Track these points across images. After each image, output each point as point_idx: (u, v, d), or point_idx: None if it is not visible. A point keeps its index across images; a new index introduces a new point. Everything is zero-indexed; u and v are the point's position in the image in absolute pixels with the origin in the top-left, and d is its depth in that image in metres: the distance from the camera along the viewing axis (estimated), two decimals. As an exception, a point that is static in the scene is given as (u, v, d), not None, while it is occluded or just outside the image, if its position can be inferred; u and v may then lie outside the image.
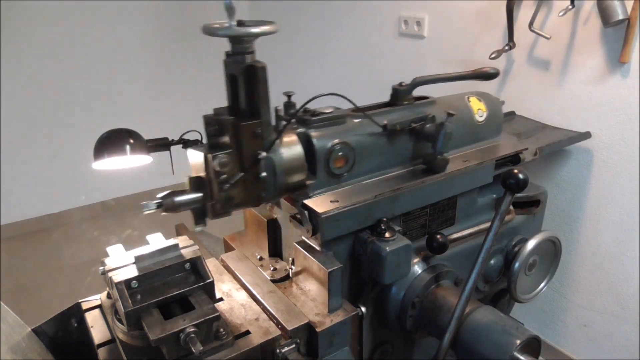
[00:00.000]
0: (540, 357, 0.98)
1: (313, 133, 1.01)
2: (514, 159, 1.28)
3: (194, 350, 0.80)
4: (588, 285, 1.73)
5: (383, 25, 2.29)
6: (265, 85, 0.89)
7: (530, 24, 1.60)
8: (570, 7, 1.49)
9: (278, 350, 0.92)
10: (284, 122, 0.97)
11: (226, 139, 0.88)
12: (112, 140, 0.94)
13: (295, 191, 1.01)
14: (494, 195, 1.31)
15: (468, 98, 1.27)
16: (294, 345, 0.94)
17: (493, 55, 1.72)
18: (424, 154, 1.15)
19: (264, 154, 0.90)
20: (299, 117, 1.04)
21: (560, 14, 1.51)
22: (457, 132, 1.18)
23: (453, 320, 0.98)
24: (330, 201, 1.00)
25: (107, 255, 0.95)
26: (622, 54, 1.43)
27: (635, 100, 1.46)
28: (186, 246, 0.97)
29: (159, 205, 0.86)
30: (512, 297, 1.27)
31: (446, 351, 1.00)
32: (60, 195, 3.07)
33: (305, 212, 0.99)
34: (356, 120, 1.09)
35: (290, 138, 0.98)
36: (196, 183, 0.90)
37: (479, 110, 1.26)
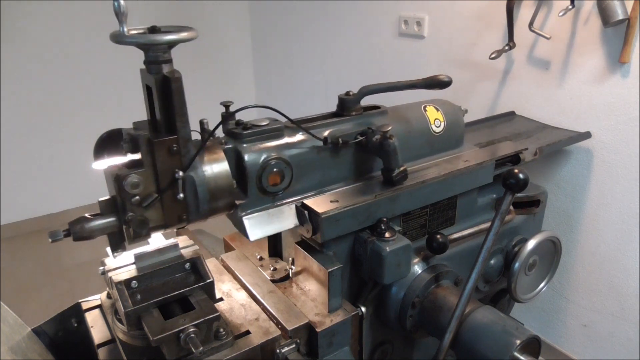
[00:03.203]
0: (540, 357, 0.98)
1: (244, 148, 0.94)
2: (514, 159, 1.28)
3: (194, 350, 0.80)
4: (588, 285, 1.73)
5: (383, 25, 2.29)
6: (181, 97, 0.81)
7: (530, 24, 1.60)
8: (570, 7, 1.49)
9: (278, 350, 0.92)
10: (209, 137, 0.89)
11: (140, 156, 0.82)
12: (112, 140, 0.94)
13: (223, 211, 0.94)
14: (494, 195, 1.30)
15: (424, 107, 1.20)
16: (294, 345, 0.94)
17: (493, 55, 1.72)
18: (381, 168, 1.07)
19: (181, 173, 0.83)
20: (230, 131, 0.96)
21: (560, 14, 1.51)
22: (411, 143, 1.14)
23: (453, 320, 0.98)
24: (330, 201, 0.99)
25: (107, 255, 0.95)
26: (622, 54, 1.43)
27: (635, 100, 1.46)
28: (186, 246, 0.97)
29: (68, 234, 0.80)
30: (512, 297, 1.27)
31: (446, 351, 1.00)
32: (60, 195, 3.07)
33: (305, 212, 0.98)
34: (295, 133, 1.01)
35: (214, 155, 0.89)
36: (109, 205, 0.83)
37: (436, 120, 1.19)
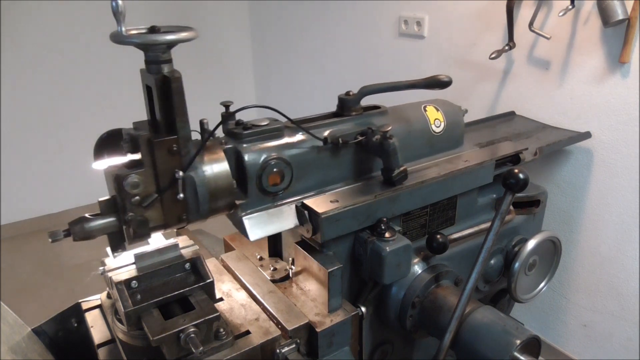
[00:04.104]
0: (540, 357, 0.98)
1: (244, 148, 0.93)
2: (514, 159, 1.28)
3: (194, 350, 0.80)
4: (588, 285, 1.73)
5: (383, 25, 2.29)
6: (181, 97, 0.81)
7: (530, 24, 1.60)
8: (570, 7, 1.49)
9: (278, 350, 0.92)
10: (209, 137, 0.89)
11: (140, 156, 0.82)
12: (112, 140, 0.94)
13: (223, 211, 0.94)
14: (494, 195, 1.30)
15: (424, 107, 1.21)
16: (294, 345, 0.94)
17: (493, 55, 1.72)
18: (381, 168, 1.07)
19: (181, 173, 0.83)
20: (230, 131, 0.96)
21: (560, 14, 1.51)
22: (411, 143, 1.14)
23: (453, 320, 0.98)
24: (330, 201, 0.99)
25: (107, 255, 0.95)
26: (622, 54, 1.43)
27: (635, 100, 1.46)
28: (186, 246, 0.97)
29: (68, 234, 0.80)
30: (512, 297, 1.27)
31: (446, 351, 1.00)
32: (60, 195, 3.07)
33: (305, 212, 0.98)
34: (295, 133, 1.00)
35: (215, 155, 0.89)
36: (109, 205, 0.83)
37: (435, 120, 1.19)
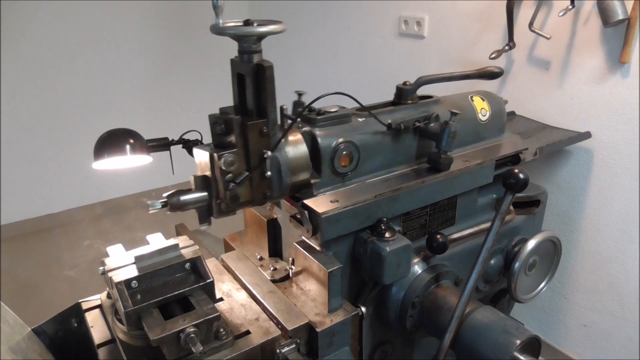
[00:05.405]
0: (540, 357, 0.98)
1: (318, 132, 1.02)
2: (514, 159, 1.28)
3: (194, 350, 0.80)
4: (588, 285, 1.73)
5: (383, 25, 2.29)
6: (272, 84, 0.89)
7: (530, 24, 1.60)
8: (570, 7, 1.49)
9: (278, 350, 0.92)
10: (289, 121, 0.97)
11: (232, 138, 0.89)
12: (112, 140, 0.94)
13: (300, 190, 1.02)
14: (494, 195, 1.31)
15: (471, 97, 1.28)
16: (294, 345, 0.94)
17: (493, 55, 1.72)
18: (429, 153, 1.15)
19: (269, 153, 0.91)
20: (304, 116, 1.04)
21: (560, 14, 1.51)
22: (460, 131, 1.18)
23: (453, 320, 0.98)
24: (330, 201, 1.00)
25: (107, 255, 0.95)
26: (622, 54, 1.43)
27: (635, 100, 1.46)
28: (186, 246, 0.97)
29: (165, 204, 0.87)
30: (512, 297, 1.27)
31: (446, 351, 1.00)
32: (60, 195, 3.07)
33: (305, 212, 0.99)
34: (361, 119, 1.09)
35: (295, 137, 0.99)
36: (202, 182, 0.91)
37: (482, 109, 1.27)
